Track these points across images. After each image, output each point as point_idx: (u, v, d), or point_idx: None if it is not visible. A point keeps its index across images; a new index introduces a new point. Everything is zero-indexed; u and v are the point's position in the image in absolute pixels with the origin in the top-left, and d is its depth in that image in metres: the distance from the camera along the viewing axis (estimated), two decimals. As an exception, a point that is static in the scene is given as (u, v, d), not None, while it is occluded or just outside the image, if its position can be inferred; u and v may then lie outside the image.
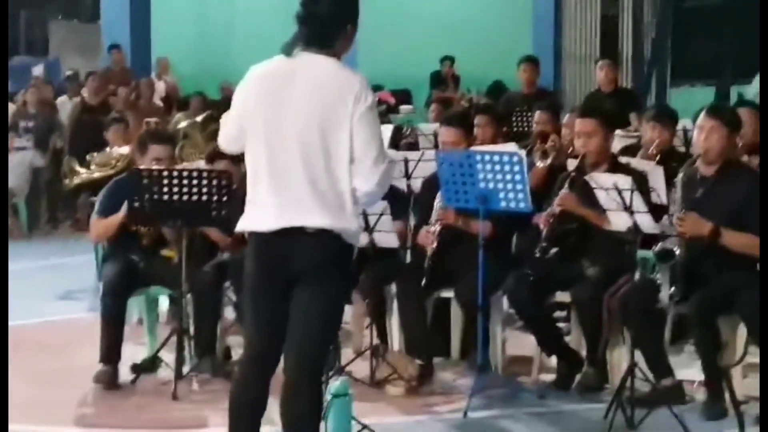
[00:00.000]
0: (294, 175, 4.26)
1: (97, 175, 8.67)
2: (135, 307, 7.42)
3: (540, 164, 7.41)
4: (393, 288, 6.77)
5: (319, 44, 4.31)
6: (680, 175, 5.94)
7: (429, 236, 6.62)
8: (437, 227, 6.61)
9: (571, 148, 7.29)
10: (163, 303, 7.50)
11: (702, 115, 6.00)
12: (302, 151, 4.25)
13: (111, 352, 6.46)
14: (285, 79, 4.31)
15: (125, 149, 8.61)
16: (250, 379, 4.50)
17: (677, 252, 5.57)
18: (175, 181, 6.27)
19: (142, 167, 6.64)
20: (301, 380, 4.37)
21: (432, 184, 6.79)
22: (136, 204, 6.31)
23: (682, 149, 8.00)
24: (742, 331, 5.75)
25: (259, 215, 4.34)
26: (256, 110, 4.33)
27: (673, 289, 5.57)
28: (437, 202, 6.63)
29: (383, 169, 4.30)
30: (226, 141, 4.55)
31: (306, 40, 4.32)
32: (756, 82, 14.76)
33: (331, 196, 4.27)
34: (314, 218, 4.25)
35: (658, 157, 7.46)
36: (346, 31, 4.37)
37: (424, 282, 6.49)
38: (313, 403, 4.42)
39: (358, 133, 4.24)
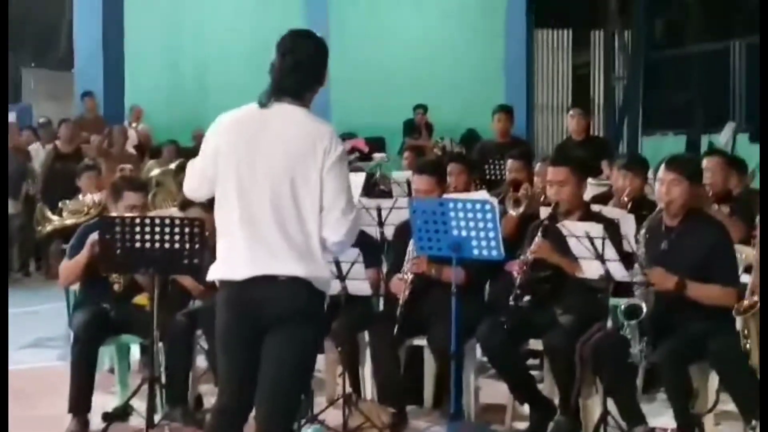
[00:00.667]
0: (266, 224, 4.29)
1: (69, 222, 8.64)
2: (106, 355, 7.37)
3: (513, 212, 7.44)
4: (366, 336, 6.76)
5: (294, 95, 4.36)
6: (642, 231, 5.96)
7: (401, 284, 6.62)
8: (410, 275, 6.62)
9: (543, 197, 7.33)
10: (135, 351, 7.46)
11: (662, 167, 6.02)
12: (273, 200, 4.29)
13: (80, 402, 6.40)
14: (256, 127, 4.35)
15: (98, 196, 8.59)
16: (222, 428, 4.49)
17: (644, 308, 5.58)
18: (147, 229, 6.24)
19: (114, 214, 6.62)
20: (272, 429, 4.35)
21: (404, 230, 6.80)
22: (107, 237, 6.26)
23: (653, 197, 8.04)
24: (714, 379, 5.76)
25: (231, 264, 4.36)
26: (228, 158, 4.35)
27: (642, 344, 5.57)
28: (410, 250, 6.64)
29: (351, 218, 4.36)
30: (190, 188, 4.58)
31: (281, 90, 4.36)
32: (726, 130, 14.91)
33: (302, 244, 4.30)
34: (286, 266, 4.28)
35: (629, 205, 7.51)
36: (320, 83, 4.44)
37: (396, 330, 6.48)
38: None
39: (327, 184, 4.29)
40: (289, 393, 4.42)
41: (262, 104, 4.37)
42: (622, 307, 5.63)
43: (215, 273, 4.43)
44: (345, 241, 4.39)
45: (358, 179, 6.77)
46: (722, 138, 14.97)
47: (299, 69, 4.37)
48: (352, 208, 4.37)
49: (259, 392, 4.37)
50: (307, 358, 4.47)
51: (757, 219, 5.41)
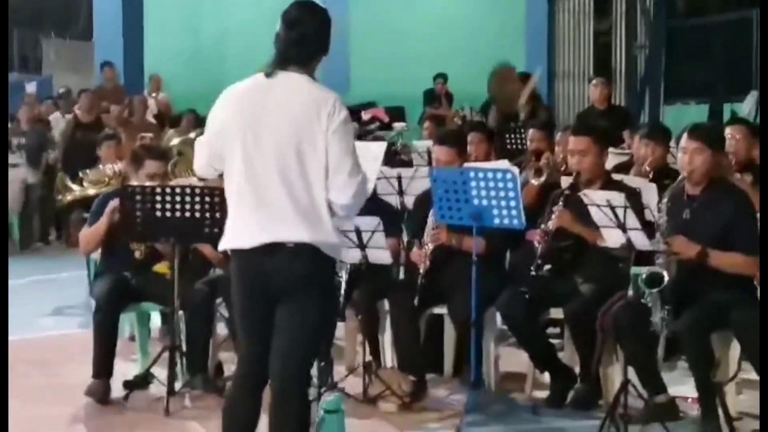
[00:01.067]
0: (272, 190, 4.34)
1: (90, 191, 8.64)
2: (127, 322, 7.41)
3: (534, 182, 7.40)
4: (386, 304, 6.77)
5: (301, 63, 4.43)
6: (664, 200, 5.92)
7: (421, 254, 6.61)
8: (430, 245, 6.60)
9: (564, 166, 7.30)
10: (155, 319, 7.49)
11: (684, 136, 5.99)
12: (279, 167, 4.34)
13: (103, 368, 6.45)
14: (260, 97, 4.41)
15: (118, 166, 8.60)
16: (242, 394, 4.54)
17: (666, 277, 5.56)
18: (168, 198, 6.27)
19: (134, 184, 6.63)
20: (286, 395, 4.42)
21: (425, 200, 6.78)
22: (128, 205, 6.30)
23: (676, 166, 7.99)
24: (735, 348, 5.75)
25: (240, 232, 4.42)
26: (234, 129, 4.41)
27: (664, 312, 5.55)
28: (430, 219, 6.62)
29: (358, 181, 4.39)
30: (200, 166, 4.65)
31: (287, 60, 4.42)
32: (749, 99, 14.82)
33: (310, 210, 4.35)
34: (294, 232, 4.33)
35: (651, 175, 7.47)
36: (324, 52, 4.50)
37: (416, 300, 6.47)
38: (299, 418, 4.48)
39: (332, 147, 4.33)
40: (301, 360, 4.47)
41: (268, 74, 4.43)
42: (644, 275, 5.60)
43: (225, 242, 4.49)
44: (352, 204, 4.43)
45: (378, 149, 6.73)
46: (745, 107, 14.89)
47: (304, 41, 4.43)
48: (358, 170, 4.40)
49: (272, 359, 4.43)
50: (317, 326, 4.50)
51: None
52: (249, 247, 4.37)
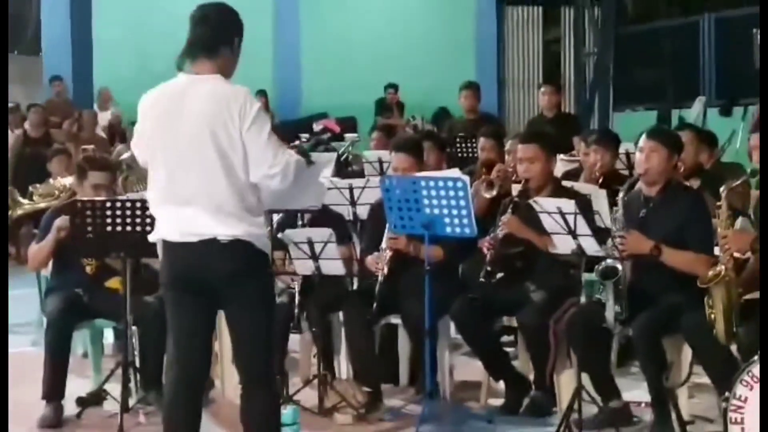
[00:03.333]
0: (198, 189, 4.46)
1: (41, 205, 8.57)
2: (79, 340, 7.34)
3: (486, 195, 7.39)
4: (340, 315, 6.75)
5: (207, 50, 4.53)
6: (621, 194, 5.95)
7: (379, 262, 6.59)
8: (388, 253, 6.59)
9: (514, 174, 7.31)
10: (108, 335, 7.43)
11: (643, 136, 6.03)
12: (201, 170, 4.45)
13: (55, 387, 6.37)
14: (174, 101, 4.53)
15: (69, 180, 8.53)
16: (179, 399, 4.63)
17: (620, 269, 5.61)
18: (119, 212, 6.23)
19: (84, 198, 6.58)
20: (253, 387, 4.58)
21: (380, 209, 6.76)
22: (78, 221, 6.26)
23: (625, 172, 8.06)
24: (687, 352, 5.79)
25: (171, 225, 4.53)
26: (153, 135, 4.56)
27: (617, 308, 5.59)
28: (388, 227, 6.58)
29: (282, 167, 4.44)
30: (143, 161, 4.73)
31: (194, 45, 4.55)
32: (696, 105, 14.96)
33: (238, 207, 4.46)
34: (225, 228, 4.43)
35: (600, 180, 7.51)
36: (233, 41, 4.61)
37: (374, 307, 6.44)
38: (270, 407, 4.64)
39: (251, 142, 4.43)
40: (257, 355, 4.58)
41: (179, 66, 4.58)
42: (599, 268, 5.65)
43: (156, 234, 4.61)
44: (285, 186, 4.49)
45: (327, 159, 6.71)
46: (693, 113, 15.04)
47: (207, 21, 4.56)
48: (282, 154, 4.46)
49: (236, 364, 4.64)
50: (263, 317, 4.58)
51: (722, 191, 5.41)
52: (181, 241, 4.48)
